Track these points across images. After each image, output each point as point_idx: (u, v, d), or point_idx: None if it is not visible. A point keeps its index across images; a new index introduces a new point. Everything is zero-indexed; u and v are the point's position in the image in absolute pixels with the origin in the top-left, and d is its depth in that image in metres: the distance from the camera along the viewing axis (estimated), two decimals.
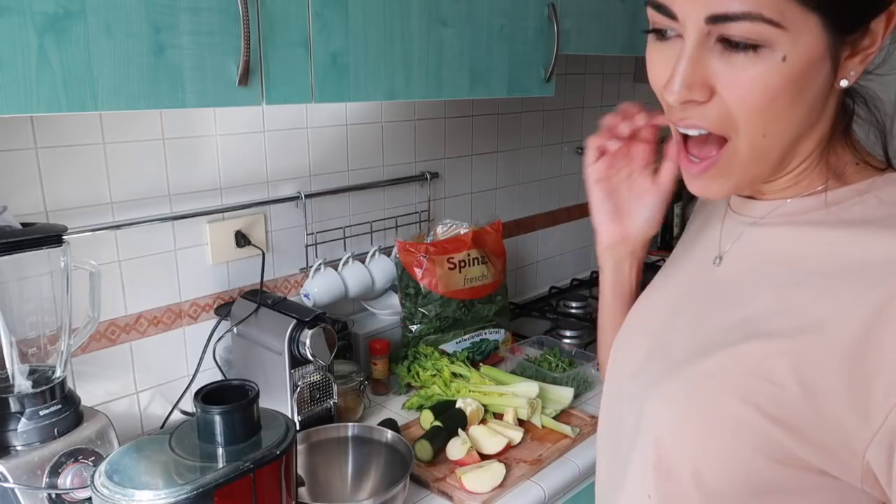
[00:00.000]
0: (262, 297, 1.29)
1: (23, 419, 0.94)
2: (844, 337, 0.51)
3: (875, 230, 0.54)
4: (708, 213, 0.74)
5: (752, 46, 0.49)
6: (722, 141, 0.56)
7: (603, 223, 0.76)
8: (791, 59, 0.49)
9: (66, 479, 0.94)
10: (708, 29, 0.50)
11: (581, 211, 2.28)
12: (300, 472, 1.05)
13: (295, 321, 1.20)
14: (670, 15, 0.53)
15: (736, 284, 0.62)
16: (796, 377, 0.52)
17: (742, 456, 0.55)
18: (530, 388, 1.35)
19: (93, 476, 0.84)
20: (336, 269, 1.53)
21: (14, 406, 0.94)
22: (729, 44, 0.50)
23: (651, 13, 0.56)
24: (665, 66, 0.55)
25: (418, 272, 1.55)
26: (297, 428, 1.19)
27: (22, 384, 0.96)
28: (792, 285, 0.56)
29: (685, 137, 0.59)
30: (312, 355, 1.19)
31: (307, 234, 1.49)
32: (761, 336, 0.55)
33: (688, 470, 0.58)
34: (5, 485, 0.90)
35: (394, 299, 1.63)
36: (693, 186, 0.61)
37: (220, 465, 0.85)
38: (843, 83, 0.53)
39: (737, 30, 0.49)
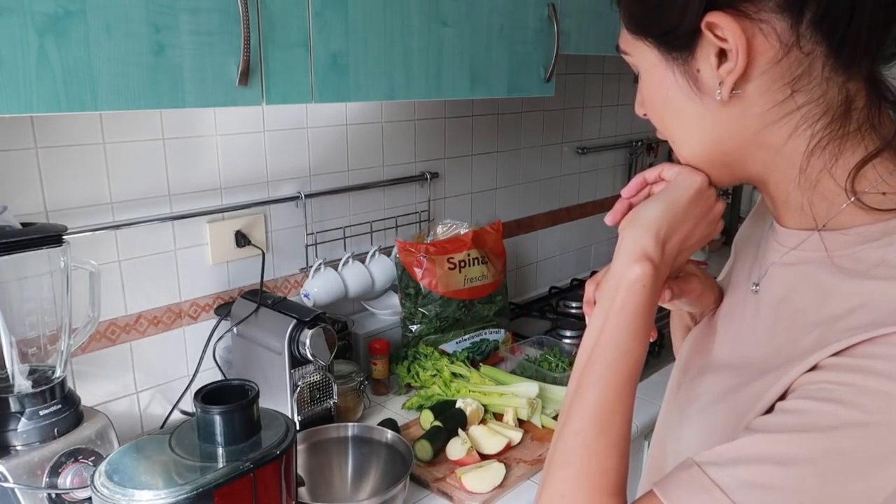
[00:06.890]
0: (262, 297, 1.29)
1: (23, 419, 0.94)
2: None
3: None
4: (752, 234, 0.75)
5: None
6: None
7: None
8: (645, 74, 0.63)
9: (66, 479, 0.94)
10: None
11: (581, 211, 2.29)
12: (300, 472, 1.05)
13: (295, 321, 1.20)
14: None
15: (771, 314, 0.62)
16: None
17: None
18: (530, 388, 1.35)
19: (93, 476, 0.84)
20: (336, 269, 1.53)
21: (14, 406, 0.94)
22: None
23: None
24: None
25: (418, 272, 1.55)
26: (297, 428, 1.19)
27: (22, 384, 0.96)
28: (811, 328, 0.55)
29: None
30: (312, 355, 1.19)
31: (307, 234, 1.49)
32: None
33: None
34: (5, 485, 0.90)
35: (394, 299, 1.63)
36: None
37: (220, 465, 0.85)
38: (718, 95, 0.57)
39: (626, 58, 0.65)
